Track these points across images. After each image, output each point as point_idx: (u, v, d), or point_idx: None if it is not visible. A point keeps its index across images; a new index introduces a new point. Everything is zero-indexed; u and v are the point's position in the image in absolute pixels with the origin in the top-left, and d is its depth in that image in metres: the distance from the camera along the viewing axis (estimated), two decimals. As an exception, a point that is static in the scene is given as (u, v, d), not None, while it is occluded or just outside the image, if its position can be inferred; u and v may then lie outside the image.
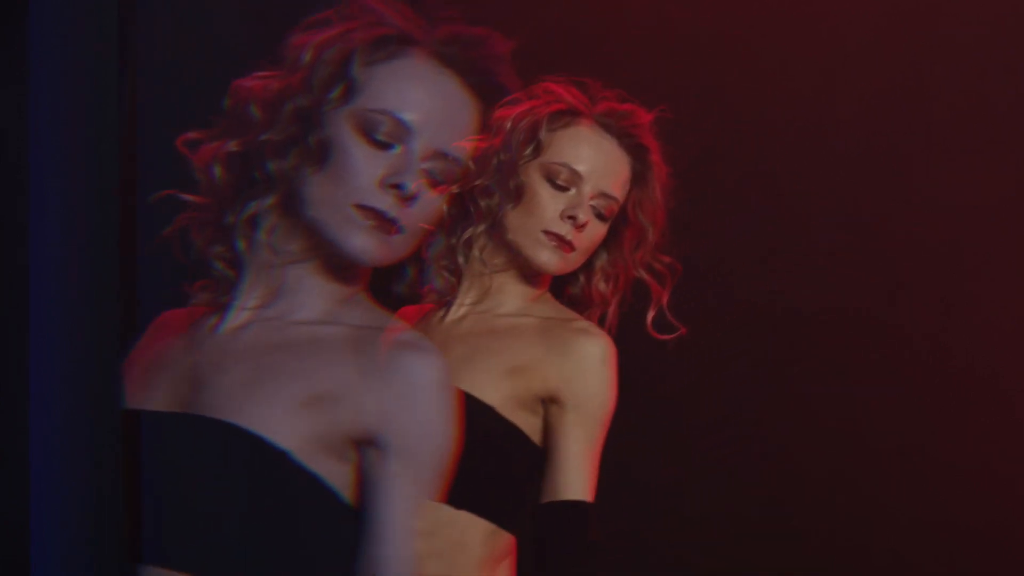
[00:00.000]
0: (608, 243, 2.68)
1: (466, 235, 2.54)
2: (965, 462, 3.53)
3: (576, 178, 2.58)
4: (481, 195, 2.50)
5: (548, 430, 2.56)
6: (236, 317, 2.04)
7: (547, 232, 2.57)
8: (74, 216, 2.14)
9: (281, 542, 1.94)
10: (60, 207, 2.12)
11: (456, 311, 2.59)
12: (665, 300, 2.72)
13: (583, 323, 2.62)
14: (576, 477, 2.51)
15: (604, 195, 2.61)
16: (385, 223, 1.96)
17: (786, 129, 3.55)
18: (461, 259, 2.55)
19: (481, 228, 2.53)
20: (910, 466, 3.55)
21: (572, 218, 2.57)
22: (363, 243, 1.96)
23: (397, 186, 1.94)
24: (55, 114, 2.11)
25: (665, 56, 3.52)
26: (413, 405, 1.93)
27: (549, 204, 2.58)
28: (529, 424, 2.55)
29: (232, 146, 2.02)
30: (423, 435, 1.95)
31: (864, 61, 3.55)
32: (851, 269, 3.58)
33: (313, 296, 2.03)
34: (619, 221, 2.68)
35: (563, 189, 2.59)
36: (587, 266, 2.69)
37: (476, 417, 2.38)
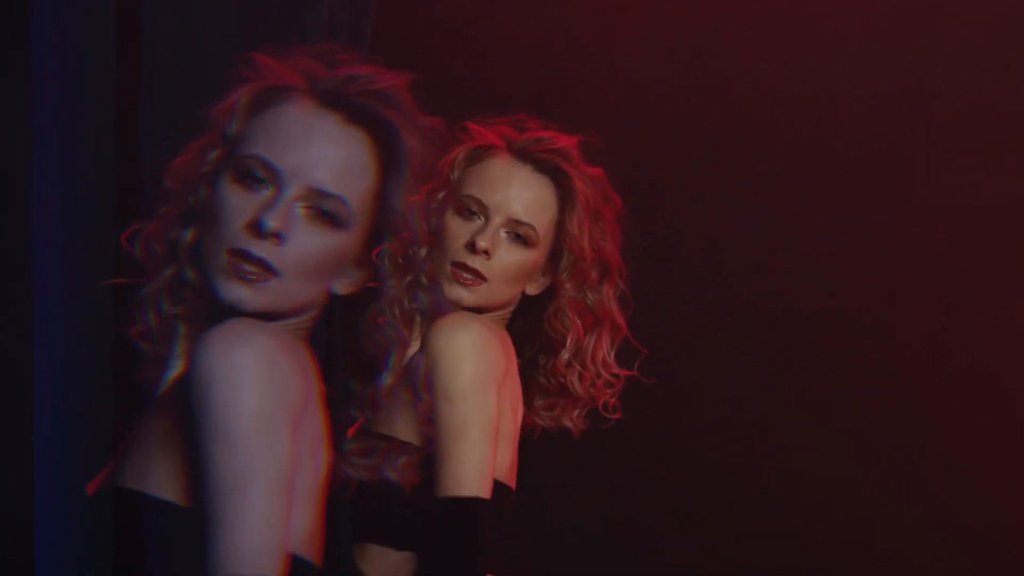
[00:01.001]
0: (554, 280, 2.66)
1: (405, 282, 2.49)
2: (965, 461, 3.53)
3: (483, 208, 2.58)
4: (408, 245, 2.48)
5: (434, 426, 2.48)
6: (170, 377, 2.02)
7: (453, 264, 2.56)
8: (76, 217, 2.14)
9: None
10: (61, 207, 2.12)
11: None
12: (621, 333, 2.70)
13: (452, 315, 2.53)
14: (456, 472, 2.43)
15: (515, 220, 2.59)
16: (255, 265, 1.91)
17: (786, 129, 3.56)
18: (405, 305, 2.48)
19: (410, 277, 2.46)
20: (910, 465, 3.55)
21: (472, 245, 2.55)
22: (236, 292, 1.90)
23: (258, 224, 1.91)
24: (55, 116, 2.11)
25: (665, 56, 3.52)
26: (201, 392, 1.82)
27: (457, 236, 2.57)
28: None
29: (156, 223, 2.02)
30: (219, 416, 1.80)
31: (864, 62, 3.55)
32: (851, 269, 3.58)
33: None
34: (557, 252, 2.66)
35: (473, 220, 2.58)
36: (538, 309, 2.68)
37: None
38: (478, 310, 2.59)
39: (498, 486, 2.51)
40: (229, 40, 2.32)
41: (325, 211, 1.94)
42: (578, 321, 2.67)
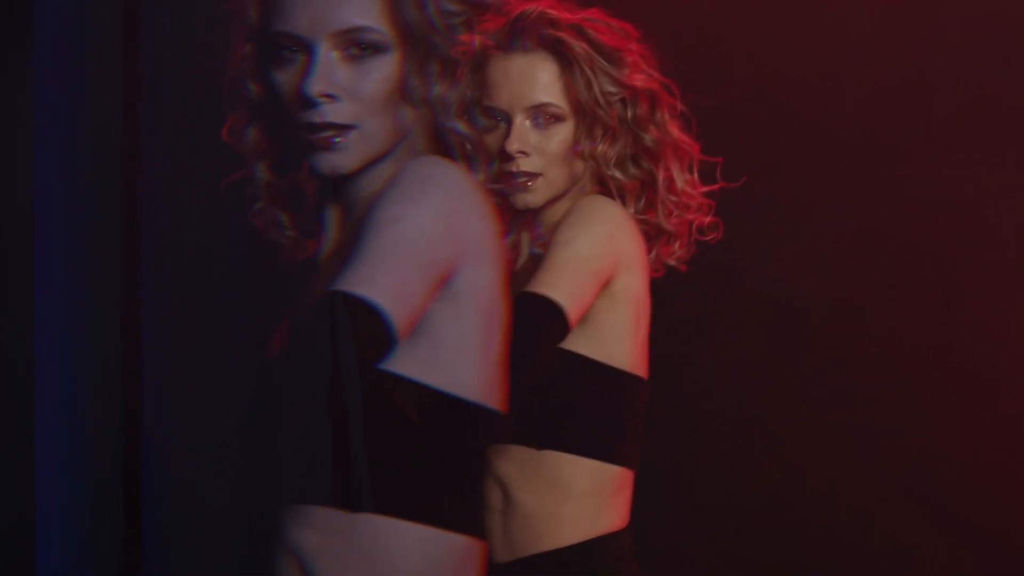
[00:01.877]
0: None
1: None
2: (965, 456, 3.53)
3: (500, 112, 2.53)
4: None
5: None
6: (328, 245, 2.06)
7: (504, 175, 2.50)
8: (77, 217, 2.15)
9: None
10: (64, 208, 2.13)
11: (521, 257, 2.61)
12: (692, 153, 2.63)
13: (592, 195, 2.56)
14: (547, 280, 2.42)
15: (532, 108, 2.53)
16: (327, 130, 1.94)
17: (789, 122, 3.55)
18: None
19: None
20: (910, 461, 3.55)
21: (504, 153, 2.50)
22: (328, 161, 1.96)
23: (302, 95, 1.93)
24: (58, 114, 2.12)
25: (668, 49, 3.51)
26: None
27: (493, 149, 2.48)
28: (592, 338, 2.53)
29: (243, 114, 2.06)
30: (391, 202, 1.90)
31: (867, 55, 3.54)
32: (853, 262, 3.57)
33: (363, 199, 2.03)
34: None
35: (500, 127, 2.52)
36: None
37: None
38: (555, 199, 2.57)
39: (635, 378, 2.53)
40: (229, 38, 2.32)
41: (359, 45, 1.96)
42: (642, 164, 2.61)
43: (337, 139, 1.94)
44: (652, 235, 2.65)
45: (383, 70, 1.97)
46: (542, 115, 2.53)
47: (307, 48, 1.95)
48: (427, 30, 1.99)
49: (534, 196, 2.53)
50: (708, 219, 2.66)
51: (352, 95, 1.95)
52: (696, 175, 2.64)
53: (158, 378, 2.16)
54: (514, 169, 2.50)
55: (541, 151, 2.52)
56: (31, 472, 2.14)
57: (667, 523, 3.52)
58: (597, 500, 2.52)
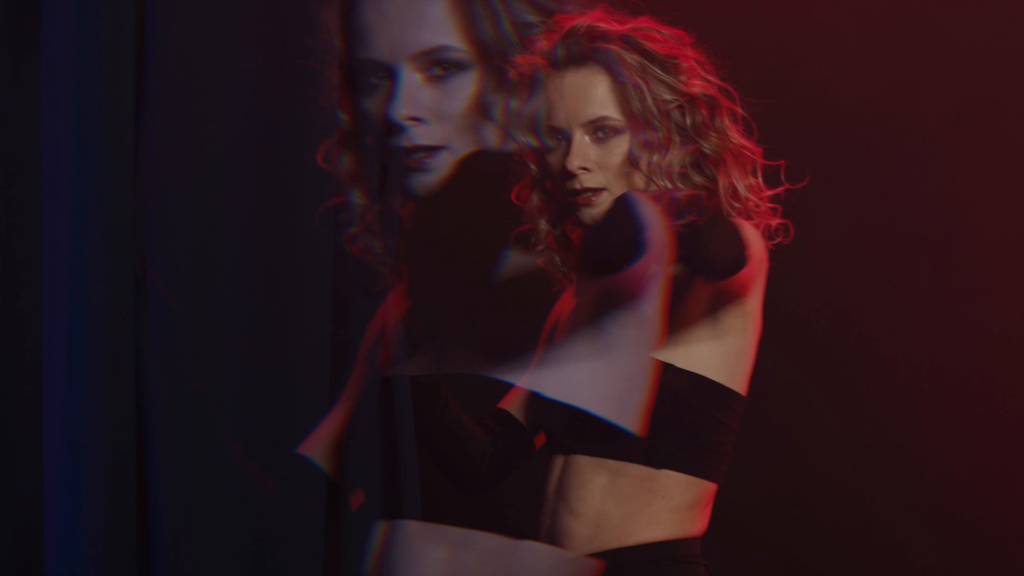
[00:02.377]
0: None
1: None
2: (962, 458, 3.54)
3: (559, 132, 2.53)
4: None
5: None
6: None
7: (568, 196, 2.49)
8: (86, 219, 2.13)
9: None
10: (71, 207, 2.11)
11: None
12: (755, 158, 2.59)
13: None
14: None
15: (589, 123, 2.49)
16: (418, 152, 1.95)
17: (787, 127, 3.55)
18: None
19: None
20: (910, 461, 3.56)
21: (565, 171, 2.46)
22: (421, 181, 2.01)
23: (389, 121, 1.94)
24: (67, 111, 2.11)
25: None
26: None
27: (556, 168, 2.49)
28: (700, 352, 2.53)
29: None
30: None
31: (862, 61, 3.55)
32: (850, 265, 3.58)
33: None
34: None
35: (561, 146, 2.50)
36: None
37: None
38: None
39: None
40: (235, 36, 2.31)
41: (440, 65, 1.95)
42: (705, 172, 2.56)
43: (428, 160, 1.95)
44: None
45: (467, 87, 1.99)
46: (601, 129, 2.49)
47: (390, 73, 1.96)
48: (503, 44, 1.99)
49: (600, 210, 2.50)
50: (776, 221, 2.62)
51: (439, 116, 1.96)
52: (760, 179, 2.60)
53: (167, 379, 2.14)
54: (577, 187, 2.48)
55: (603, 165, 2.49)
56: (39, 473, 2.12)
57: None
58: (693, 511, 2.52)
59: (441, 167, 1.96)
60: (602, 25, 2.52)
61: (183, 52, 2.14)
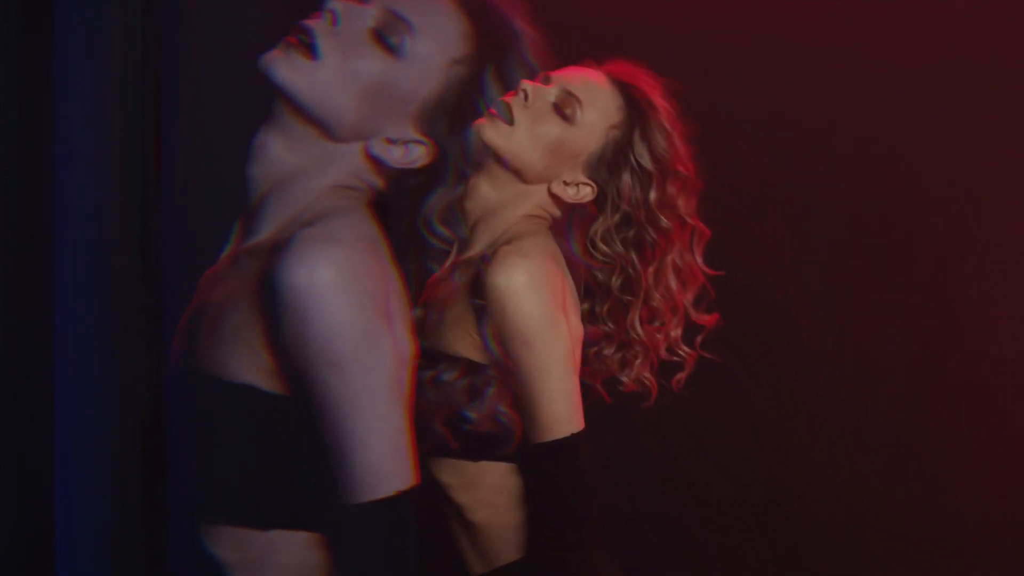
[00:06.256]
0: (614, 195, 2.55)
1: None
2: (962, 456, 3.55)
3: (547, 77, 2.52)
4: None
5: (512, 371, 2.40)
6: (227, 250, 2.02)
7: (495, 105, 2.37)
8: (98, 210, 2.15)
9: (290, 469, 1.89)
10: (85, 202, 2.13)
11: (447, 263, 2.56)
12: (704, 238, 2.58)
13: (501, 250, 2.43)
14: (550, 412, 2.37)
15: (567, 92, 2.51)
16: (302, 33, 1.89)
17: (787, 129, 3.57)
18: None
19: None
20: (909, 459, 3.57)
21: (511, 93, 2.41)
22: (273, 59, 1.90)
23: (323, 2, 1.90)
24: (81, 116, 2.12)
25: (668, 60, 3.52)
26: (297, 318, 1.80)
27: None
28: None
29: None
30: (322, 342, 1.81)
31: (865, 60, 3.56)
32: (847, 265, 3.60)
33: (264, 218, 1.98)
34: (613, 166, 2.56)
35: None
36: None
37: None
38: (499, 160, 2.49)
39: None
40: (249, 35, 2.32)
41: (385, 36, 1.92)
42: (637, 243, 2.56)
43: (295, 48, 1.90)
44: (617, 341, 2.61)
45: (382, 66, 1.93)
46: (564, 105, 2.50)
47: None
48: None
49: (493, 131, 2.46)
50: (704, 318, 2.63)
51: (347, 44, 1.90)
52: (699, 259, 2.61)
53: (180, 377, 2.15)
54: (506, 99, 2.45)
55: (533, 116, 2.49)
56: (51, 474, 2.14)
57: (668, 523, 3.54)
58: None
59: (296, 68, 1.91)
60: (649, 85, 2.58)
61: (198, 61, 2.16)
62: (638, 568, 3.46)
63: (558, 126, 2.51)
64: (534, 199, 2.54)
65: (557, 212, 2.57)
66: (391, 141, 1.97)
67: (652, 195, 2.54)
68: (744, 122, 3.57)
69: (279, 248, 1.84)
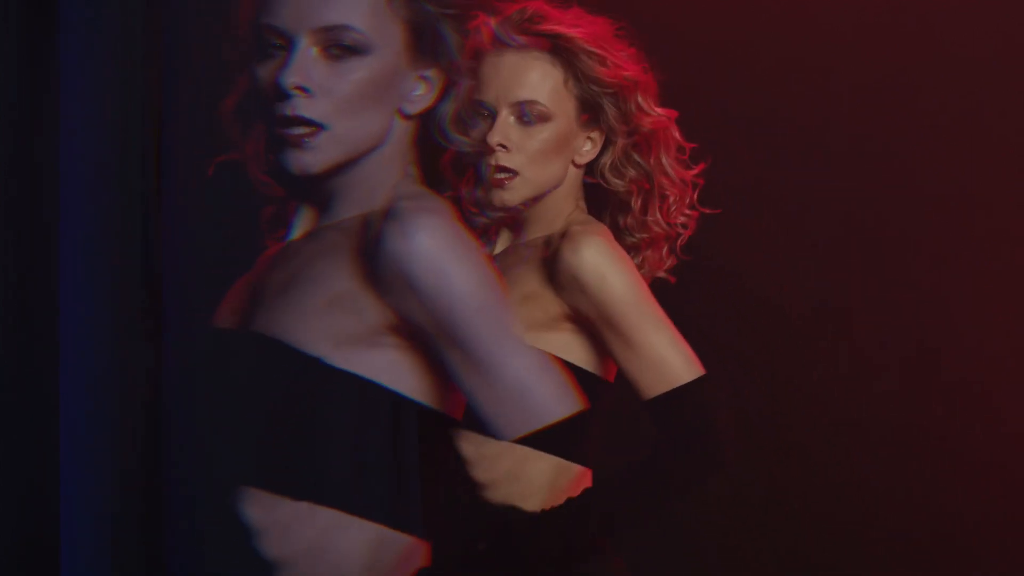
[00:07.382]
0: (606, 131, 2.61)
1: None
2: (961, 455, 3.56)
3: (488, 107, 2.53)
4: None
5: (605, 342, 2.52)
6: (297, 231, 2.06)
7: (488, 169, 2.42)
8: (100, 221, 2.14)
9: (324, 446, 1.92)
10: (87, 208, 2.12)
11: (497, 246, 2.64)
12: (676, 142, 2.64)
13: (573, 230, 2.54)
14: (667, 361, 2.50)
15: (518, 103, 2.54)
16: (297, 125, 1.91)
17: (781, 125, 3.57)
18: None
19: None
20: (908, 459, 3.58)
21: (486, 145, 2.42)
22: (298, 160, 1.94)
23: (277, 86, 1.91)
24: (83, 116, 2.11)
25: (666, 56, 3.53)
26: (414, 277, 1.90)
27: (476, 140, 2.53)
28: (568, 343, 2.54)
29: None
30: (444, 299, 1.91)
31: (861, 57, 3.56)
32: (845, 264, 3.60)
33: (341, 198, 2.02)
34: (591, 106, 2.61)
35: (489, 120, 2.52)
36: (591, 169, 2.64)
37: None
38: (533, 199, 2.58)
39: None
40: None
41: (340, 45, 1.94)
42: (636, 162, 2.64)
43: (307, 139, 1.92)
44: (644, 244, 2.68)
45: (360, 72, 1.94)
46: (527, 113, 2.54)
47: (288, 40, 1.93)
48: (426, 28, 1.98)
49: (510, 195, 2.54)
50: (687, 205, 2.68)
51: (326, 92, 1.92)
52: (686, 156, 2.67)
53: (180, 376, 2.16)
54: (493, 163, 2.51)
55: (521, 148, 2.53)
56: (54, 473, 2.14)
57: (667, 522, 3.54)
58: (557, 496, 2.54)
59: (318, 147, 1.93)
60: (544, 10, 2.57)
61: (198, 61, 2.16)
62: (638, 568, 3.47)
63: (541, 131, 2.56)
64: (569, 180, 2.64)
65: (581, 180, 2.66)
66: (410, 94, 2.03)
67: (629, 108, 2.60)
68: (738, 119, 3.57)
69: (389, 219, 1.91)
